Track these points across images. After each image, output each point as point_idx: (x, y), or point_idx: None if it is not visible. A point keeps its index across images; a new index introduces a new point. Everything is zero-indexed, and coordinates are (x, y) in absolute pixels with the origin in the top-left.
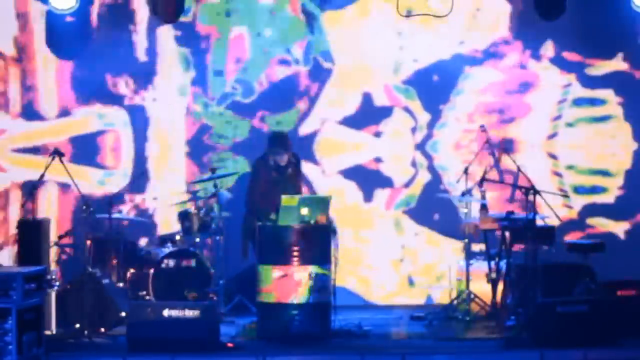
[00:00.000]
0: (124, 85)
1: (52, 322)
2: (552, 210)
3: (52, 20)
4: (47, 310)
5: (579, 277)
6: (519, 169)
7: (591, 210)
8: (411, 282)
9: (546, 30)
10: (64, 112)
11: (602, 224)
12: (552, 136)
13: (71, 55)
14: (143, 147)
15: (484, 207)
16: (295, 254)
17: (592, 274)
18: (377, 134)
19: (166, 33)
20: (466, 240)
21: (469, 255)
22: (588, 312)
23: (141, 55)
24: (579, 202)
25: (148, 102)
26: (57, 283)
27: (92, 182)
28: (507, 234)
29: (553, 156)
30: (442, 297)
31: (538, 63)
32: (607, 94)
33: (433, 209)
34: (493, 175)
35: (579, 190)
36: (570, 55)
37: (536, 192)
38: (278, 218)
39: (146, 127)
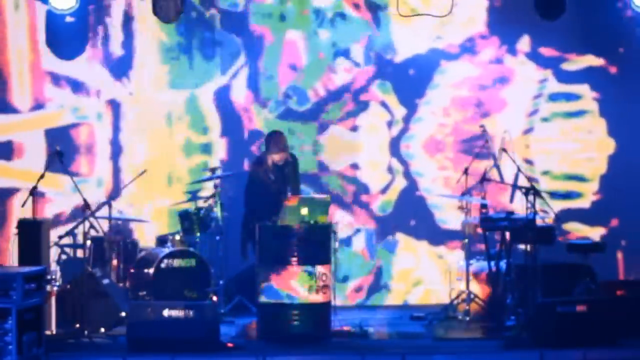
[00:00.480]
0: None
1: (52, 322)
2: (551, 210)
3: (52, 20)
4: (47, 310)
5: (579, 277)
6: (518, 169)
7: (567, 215)
8: (387, 288)
9: (522, 26)
10: (38, 106)
11: (577, 229)
12: (528, 131)
13: (71, 55)
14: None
15: (484, 207)
16: (295, 254)
17: (592, 274)
18: (354, 128)
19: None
20: (466, 240)
21: (469, 255)
22: (588, 312)
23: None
24: (555, 207)
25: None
26: (58, 283)
27: (65, 190)
28: (507, 234)
29: (529, 162)
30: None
31: (514, 58)
32: (583, 89)
33: (409, 215)
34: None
35: (553, 195)
36: (546, 51)
37: (536, 192)
38: (278, 218)
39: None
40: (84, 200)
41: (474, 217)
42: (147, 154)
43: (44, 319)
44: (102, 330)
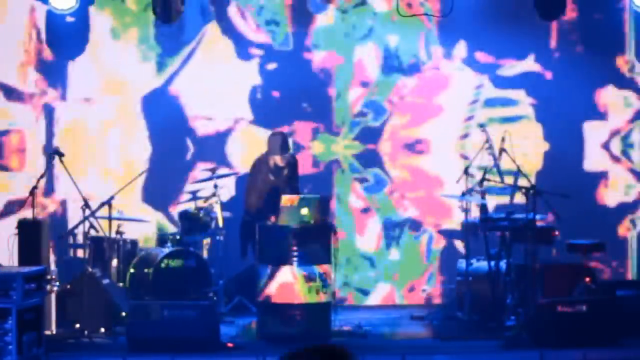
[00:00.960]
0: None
1: (52, 322)
2: (551, 210)
3: (52, 20)
4: (47, 310)
5: (579, 277)
6: (518, 169)
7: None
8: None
9: (459, 31)
10: None
11: None
12: (464, 137)
13: (71, 55)
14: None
15: (484, 207)
16: (295, 254)
17: (592, 274)
18: (291, 134)
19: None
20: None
21: (469, 255)
22: (588, 312)
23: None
24: (491, 202)
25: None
26: (57, 283)
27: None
28: (507, 234)
29: (465, 157)
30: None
31: (451, 63)
32: (519, 94)
33: None
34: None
35: (489, 190)
36: (482, 56)
37: (536, 192)
38: (278, 218)
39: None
40: (84, 200)
41: (474, 217)
42: (82, 159)
43: (44, 319)
44: (102, 330)
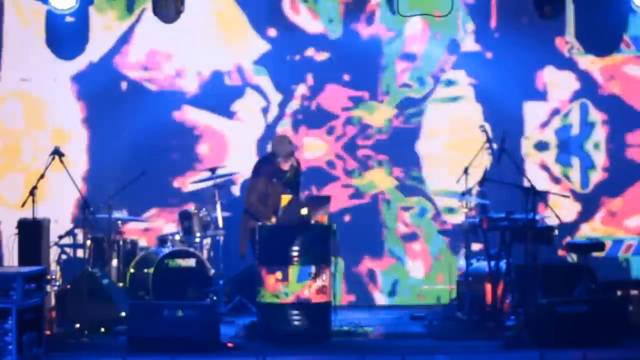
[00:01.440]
0: None
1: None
2: (551, 210)
3: (52, 20)
4: (47, 310)
5: (579, 277)
6: (518, 168)
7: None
8: None
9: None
10: None
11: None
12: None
13: (71, 55)
14: None
15: (484, 207)
16: (295, 254)
17: (592, 274)
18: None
19: None
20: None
21: (469, 255)
22: (588, 312)
23: None
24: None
25: None
26: (58, 283)
27: None
28: (507, 234)
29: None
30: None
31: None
32: (459, 74)
33: None
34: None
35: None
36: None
37: (536, 192)
38: (277, 218)
39: None
40: (84, 199)
41: (474, 217)
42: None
43: (44, 319)
44: (102, 330)
